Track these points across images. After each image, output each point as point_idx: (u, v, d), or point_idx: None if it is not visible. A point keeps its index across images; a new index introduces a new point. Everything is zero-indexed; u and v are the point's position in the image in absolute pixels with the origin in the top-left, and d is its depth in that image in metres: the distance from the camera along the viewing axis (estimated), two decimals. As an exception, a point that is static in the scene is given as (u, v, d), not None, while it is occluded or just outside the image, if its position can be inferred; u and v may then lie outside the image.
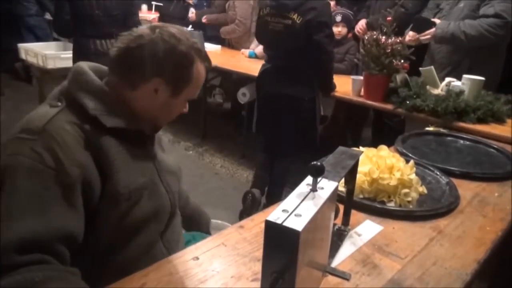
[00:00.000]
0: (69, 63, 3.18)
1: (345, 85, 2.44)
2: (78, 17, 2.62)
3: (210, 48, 3.73)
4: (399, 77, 2.13)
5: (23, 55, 3.38)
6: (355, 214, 1.09)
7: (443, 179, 1.30)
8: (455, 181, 1.29)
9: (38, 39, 4.48)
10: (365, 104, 2.22)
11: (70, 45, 4.12)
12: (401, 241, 0.98)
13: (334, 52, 3.13)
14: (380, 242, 0.98)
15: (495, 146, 1.62)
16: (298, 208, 0.67)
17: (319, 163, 0.72)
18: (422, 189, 1.21)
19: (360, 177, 1.17)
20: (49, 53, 3.13)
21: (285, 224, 0.62)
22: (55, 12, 2.72)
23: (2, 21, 4.49)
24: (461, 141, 1.70)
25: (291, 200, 0.70)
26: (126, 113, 0.89)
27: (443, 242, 0.98)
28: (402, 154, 1.48)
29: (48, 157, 0.75)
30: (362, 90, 2.27)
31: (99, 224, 0.84)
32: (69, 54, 3.34)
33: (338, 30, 3.14)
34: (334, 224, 1.02)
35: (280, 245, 0.63)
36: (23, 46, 3.39)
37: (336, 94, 2.38)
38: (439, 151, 1.59)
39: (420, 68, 2.20)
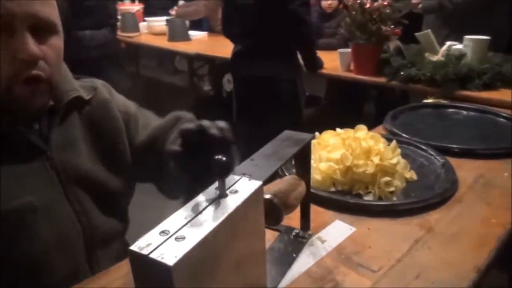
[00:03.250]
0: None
1: (335, 61, 2.20)
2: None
3: (196, 35, 3.51)
4: (391, 45, 1.87)
5: None
6: (323, 213, 0.87)
7: (438, 160, 1.06)
8: (454, 161, 1.05)
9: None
10: (354, 79, 1.97)
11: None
12: (376, 246, 0.76)
13: (325, 26, 2.88)
14: (349, 249, 0.75)
15: (505, 115, 1.36)
16: (186, 226, 0.46)
17: (224, 158, 0.50)
18: (411, 174, 0.98)
19: (330, 166, 0.95)
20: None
21: (152, 255, 0.41)
22: None
23: None
24: (465, 112, 1.44)
25: (182, 214, 0.48)
26: None
27: (432, 244, 0.75)
28: (391, 132, 1.25)
29: None
30: (352, 64, 2.02)
31: None
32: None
33: (328, 3, 2.90)
34: (291, 229, 0.80)
35: (152, 284, 0.42)
36: None
37: (324, 71, 2.13)
38: (436, 126, 1.34)
39: (416, 34, 1.93)
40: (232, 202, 0.50)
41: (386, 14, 1.75)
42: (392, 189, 0.91)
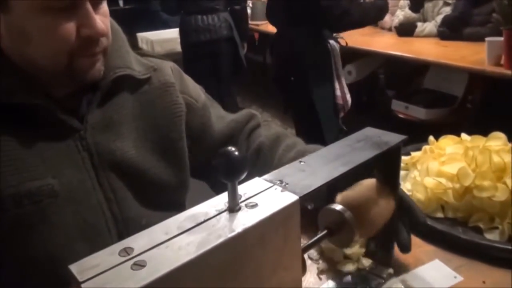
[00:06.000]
0: (176, 46, 3.21)
1: (481, 53, 1.79)
2: None
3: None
4: None
5: (140, 43, 3.55)
6: (417, 247, 0.64)
7: None
8: None
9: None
10: (502, 75, 1.56)
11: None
12: (490, 313, 0.51)
13: (475, 12, 2.41)
14: (445, 308, 0.52)
15: None
16: (157, 247, 0.32)
17: (235, 152, 0.34)
18: None
19: (440, 184, 0.70)
20: (155, 39, 3.19)
21: (85, 285, 0.28)
22: None
23: (139, 17, 4.92)
24: None
25: (164, 228, 0.34)
26: (9, 79, 0.56)
27: None
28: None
29: None
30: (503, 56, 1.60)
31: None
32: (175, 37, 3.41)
33: (482, -17, 2.40)
34: (363, 260, 0.60)
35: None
36: (140, 35, 3.55)
37: (463, 64, 1.75)
38: None
39: None
40: (242, 220, 0.34)
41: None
42: (532, 229, 0.62)
